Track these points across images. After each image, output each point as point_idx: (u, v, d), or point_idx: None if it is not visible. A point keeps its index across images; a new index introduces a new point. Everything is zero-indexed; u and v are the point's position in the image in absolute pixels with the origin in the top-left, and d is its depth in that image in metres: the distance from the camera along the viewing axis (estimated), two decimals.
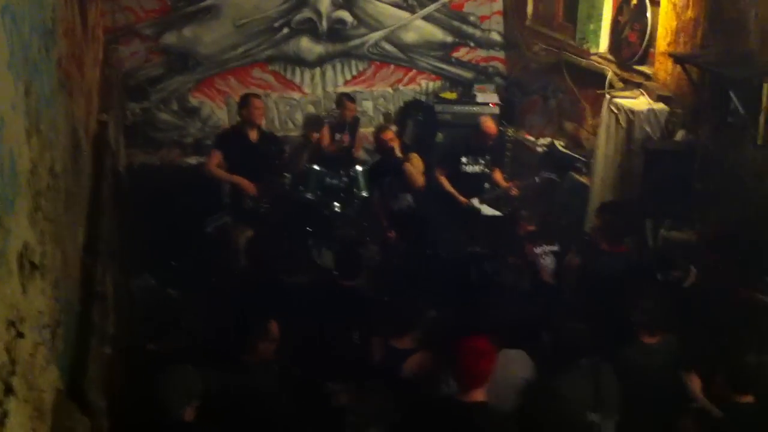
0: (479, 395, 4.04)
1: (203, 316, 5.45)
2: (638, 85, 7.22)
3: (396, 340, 4.87)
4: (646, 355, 4.81)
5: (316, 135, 8.41)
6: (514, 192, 7.93)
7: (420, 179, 7.33)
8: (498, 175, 8.08)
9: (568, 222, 7.79)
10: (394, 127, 9.16)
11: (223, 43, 9.35)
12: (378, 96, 10.13)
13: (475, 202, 7.79)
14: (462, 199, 7.72)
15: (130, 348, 4.85)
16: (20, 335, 2.39)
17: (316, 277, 6.51)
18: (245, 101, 7.54)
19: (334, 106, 9.27)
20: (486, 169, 7.93)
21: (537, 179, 7.85)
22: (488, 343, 4.17)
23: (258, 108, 7.54)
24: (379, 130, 7.67)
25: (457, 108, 9.63)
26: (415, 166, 7.41)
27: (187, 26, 9.18)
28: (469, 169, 7.83)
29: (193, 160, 9.17)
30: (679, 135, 6.59)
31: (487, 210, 7.82)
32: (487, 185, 8.04)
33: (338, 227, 8.11)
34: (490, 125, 7.74)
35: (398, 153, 7.22)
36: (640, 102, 6.95)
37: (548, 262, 6.56)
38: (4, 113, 2.53)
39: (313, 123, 9.73)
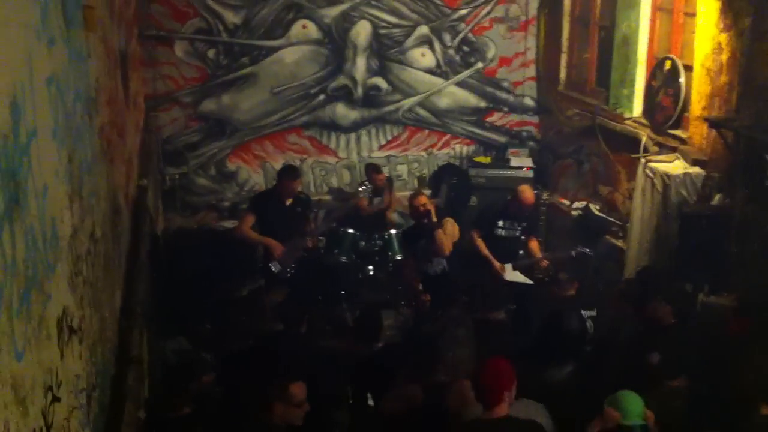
0: (502, 410, 4.07)
1: (234, 379, 5.43)
2: (673, 149, 7.20)
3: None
4: None
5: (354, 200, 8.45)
6: (544, 264, 7.82)
7: (449, 247, 7.28)
8: (534, 245, 7.93)
9: (604, 286, 7.69)
10: (427, 192, 9.20)
11: (260, 110, 9.55)
12: (412, 160, 10.23)
13: (509, 267, 7.70)
14: (496, 263, 7.64)
15: (163, 412, 4.84)
16: (56, 399, 2.41)
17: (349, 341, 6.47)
18: (290, 174, 7.61)
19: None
20: (522, 236, 7.85)
21: (573, 253, 7.69)
22: (507, 363, 4.20)
23: (297, 186, 7.66)
24: (413, 195, 7.68)
25: (491, 172, 9.65)
26: (449, 232, 7.36)
27: (226, 93, 9.40)
28: (505, 233, 7.75)
29: (229, 224, 9.23)
30: (716, 199, 6.54)
31: (519, 277, 7.71)
32: (521, 252, 7.96)
33: (371, 291, 8.09)
34: (528, 195, 7.61)
35: (433, 218, 7.20)
36: (675, 166, 6.91)
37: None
38: (47, 180, 2.60)
39: (347, 193, 9.83)
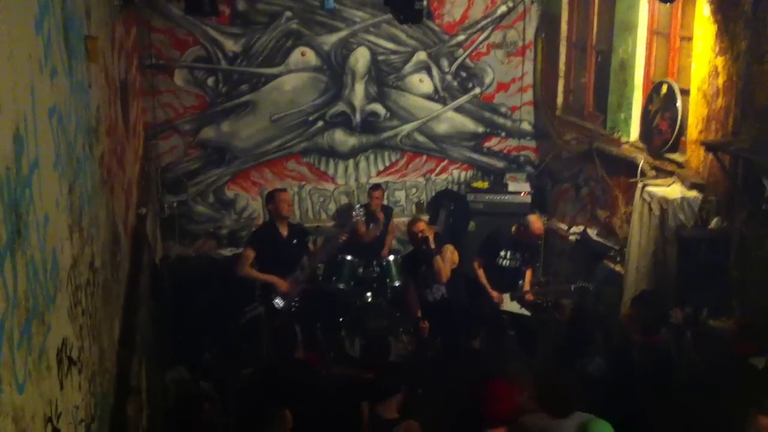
0: None
1: (232, 408, 5.43)
2: (670, 174, 7.22)
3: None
4: None
5: (343, 237, 8.35)
6: (529, 298, 7.77)
7: (447, 274, 7.24)
8: (528, 276, 7.92)
9: (604, 311, 7.67)
10: (426, 218, 9.19)
11: (259, 137, 9.58)
12: (410, 186, 10.25)
13: (507, 297, 7.67)
14: (493, 293, 7.60)
15: None
16: (56, 431, 2.40)
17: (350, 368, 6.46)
18: (271, 197, 7.57)
19: (366, 198, 9.31)
20: (523, 266, 7.78)
21: (572, 287, 7.63)
22: (507, 386, 4.38)
23: (284, 200, 7.53)
24: (412, 221, 7.66)
25: (489, 197, 9.67)
26: (448, 258, 7.33)
27: (225, 121, 9.43)
28: (507, 263, 7.69)
29: (227, 252, 9.26)
30: (714, 223, 6.54)
31: (515, 307, 7.68)
32: (521, 282, 7.87)
33: (370, 318, 8.07)
34: (538, 226, 7.55)
35: (431, 244, 7.19)
36: (672, 190, 6.93)
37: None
38: (48, 210, 2.60)
39: (343, 215, 9.80)
